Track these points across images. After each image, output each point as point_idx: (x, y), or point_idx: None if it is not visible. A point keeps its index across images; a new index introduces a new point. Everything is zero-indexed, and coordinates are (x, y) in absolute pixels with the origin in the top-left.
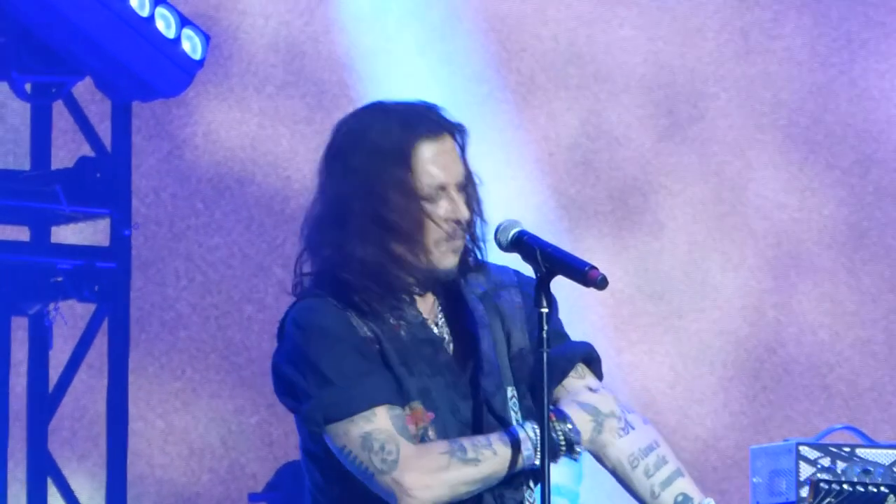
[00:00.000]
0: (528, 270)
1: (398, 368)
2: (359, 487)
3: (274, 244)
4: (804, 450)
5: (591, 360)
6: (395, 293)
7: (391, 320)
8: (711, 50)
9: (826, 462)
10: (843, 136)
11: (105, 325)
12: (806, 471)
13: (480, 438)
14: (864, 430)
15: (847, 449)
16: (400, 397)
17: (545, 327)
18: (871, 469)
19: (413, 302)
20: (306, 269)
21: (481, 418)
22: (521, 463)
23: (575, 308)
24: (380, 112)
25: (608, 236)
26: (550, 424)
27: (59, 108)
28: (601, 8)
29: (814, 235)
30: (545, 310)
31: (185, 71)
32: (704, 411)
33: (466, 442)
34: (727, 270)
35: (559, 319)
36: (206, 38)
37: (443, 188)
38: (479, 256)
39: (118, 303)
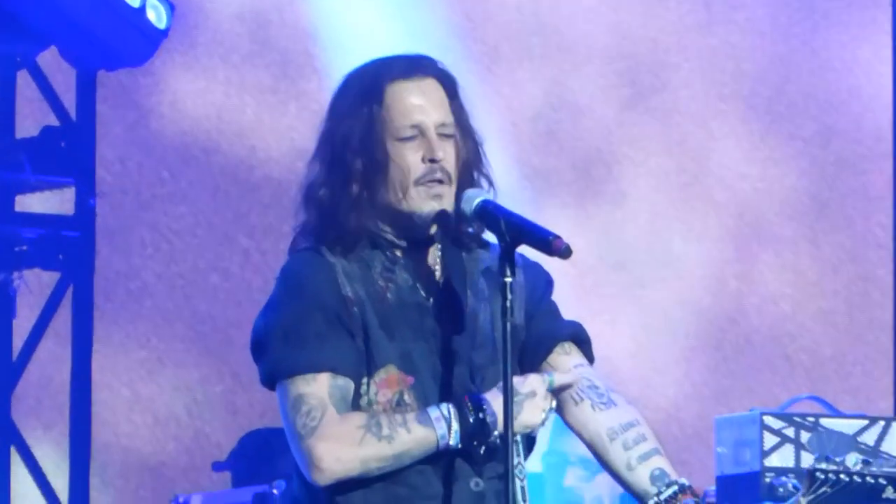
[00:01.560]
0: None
1: (376, 332)
2: None
3: (239, 213)
4: (768, 420)
5: (580, 340)
6: (384, 238)
7: (380, 281)
8: (674, 20)
9: (790, 432)
10: (804, 106)
11: (70, 293)
12: (770, 440)
13: (397, 416)
14: (825, 399)
15: (811, 419)
16: (354, 368)
17: (509, 297)
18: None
19: (408, 265)
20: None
21: (465, 388)
22: (434, 443)
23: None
24: (372, 60)
25: (571, 206)
26: (465, 411)
27: (24, 77)
28: None
29: (775, 206)
30: (509, 279)
31: (150, 40)
32: (667, 381)
33: (383, 418)
34: (689, 241)
35: (552, 300)
36: (172, 8)
37: (418, 128)
38: (472, 211)
39: (83, 271)
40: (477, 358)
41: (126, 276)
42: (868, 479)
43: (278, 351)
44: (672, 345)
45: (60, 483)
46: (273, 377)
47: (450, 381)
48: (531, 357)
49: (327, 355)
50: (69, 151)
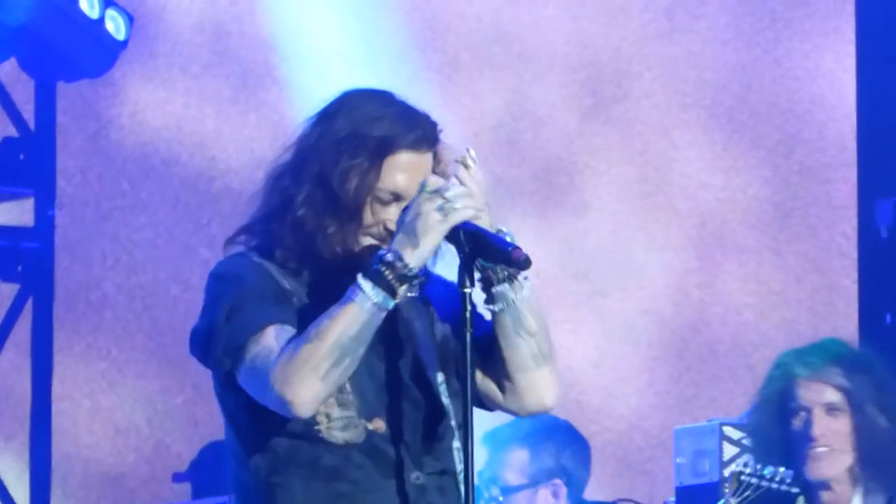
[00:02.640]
0: (452, 251)
1: (306, 323)
2: (281, 453)
3: (199, 224)
4: (728, 430)
5: None
6: (315, 261)
7: (310, 283)
8: (636, 29)
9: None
10: (767, 115)
11: (30, 305)
12: (729, 451)
13: (319, 317)
14: None
15: None
16: (296, 321)
17: (468, 307)
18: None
19: (338, 274)
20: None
21: (402, 385)
22: (362, 310)
23: None
24: (385, 100)
25: (532, 216)
26: (370, 268)
27: None
28: None
29: (738, 215)
30: (468, 290)
31: (109, 51)
32: (629, 391)
33: (308, 327)
34: (651, 250)
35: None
36: (130, 19)
37: (398, 198)
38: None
39: (43, 283)
40: (426, 359)
41: (86, 287)
42: (783, 487)
43: (225, 329)
44: (634, 354)
45: (21, 494)
46: (227, 356)
47: (383, 378)
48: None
49: (270, 312)
50: (28, 162)
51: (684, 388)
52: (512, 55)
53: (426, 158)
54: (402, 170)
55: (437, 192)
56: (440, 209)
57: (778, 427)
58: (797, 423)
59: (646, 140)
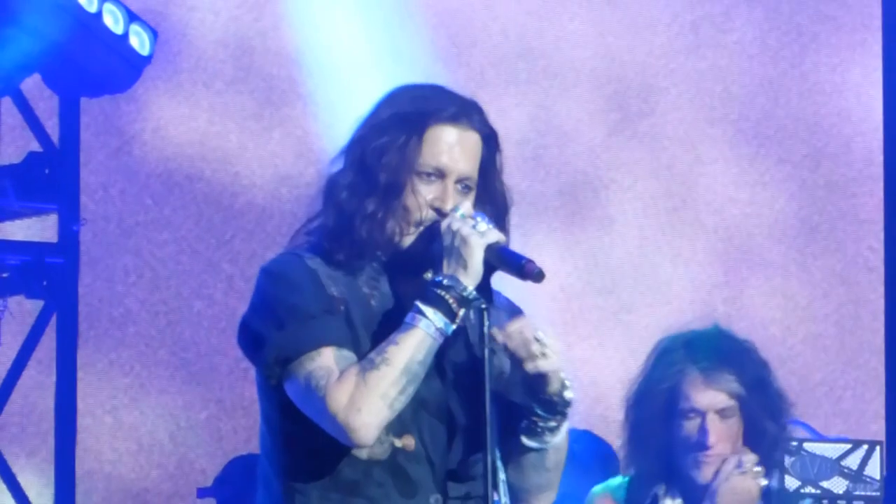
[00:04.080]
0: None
1: (360, 331)
2: (305, 459)
3: (223, 240)
4: None
5: None
6: (361, 252)
7: (364, 288)
8: (662, 44)
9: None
10: (793, 130)
11: (53, 321)
12: None
13: (381, 343)
14: (815, 424)
15: (794, 443)
16: (353, 345)
17: (486, 322)
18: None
19: (393, 279)
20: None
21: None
22: (427, 336)
23: (524, 303)
24: (428, 87)
25: (558, 231)
26: (428, 293)
27: (6, 103)
28: (551, 2)
29: (764, 230)
30: (484, 306)
31: (133, 67)
32: None
33: (370, 354)
34: (677, 265)
35: None
36: (154, 34)
37: (442, 174)
38: None
39: (66, 299)
40: (461, 380)
41: (109, 303)
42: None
43: (279, 335)
44: None
45: None
46: (277, 364)
47: (425, 393)
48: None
49: (327, 331)
50: (52, 178)
51: None
52: (537, 70)
53: (471, 137)
54: (444, 144)
55: (467, 215)
56: (474, 227)
57: (663, 426)
58: (689, 427)
59: (672, 155)
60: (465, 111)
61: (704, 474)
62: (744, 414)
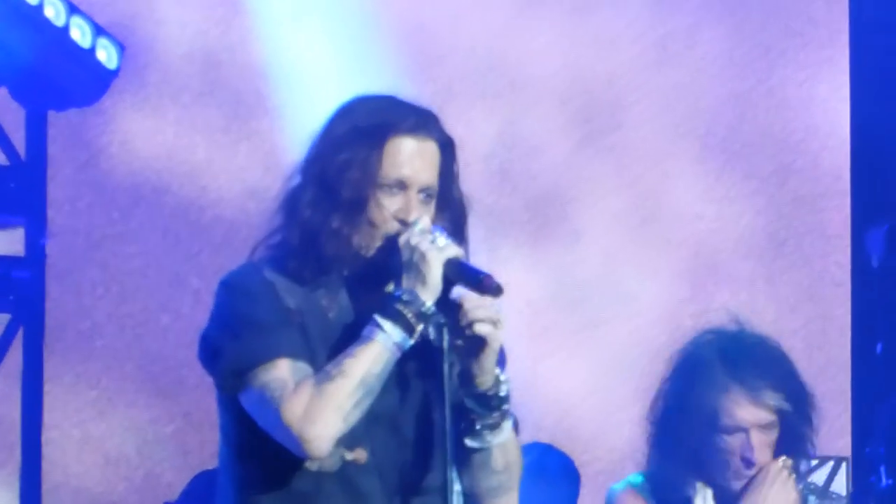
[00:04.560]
0: None
1: (316, 343)
2: (259, 470)
3: (190, 254)
4: None
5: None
6: (326, 268)
7: (323, 301)
8: (629, 59)
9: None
10: (760, 145)
11: (20, 334)
12: None
13: (338, 356)
14: None
15: None
16: (310, 358)
17: (445, 337)
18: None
19: (352, 291)
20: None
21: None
22: (385, 348)
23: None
24: (383, 98)
25: (525, 246)
26: (386, 305)
27: None
28: (519, 17)
29: (731, 245)
30: (444, 322)
31: (101, 80)
32: (621, 421)
33: (327, 366)
34: (644, 280)
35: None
36: (122, 48)
37: (404, 185)
38: None
39: (33, 312)
40: (415, 395)
41: (76, 316)
42: None
43: (232, 349)
44: (626, 384)
45: None
46: (232, 376)
47: (378, 407)
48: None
49: (282, 343)
50: (19, 191)
51: None
52: (504, 85)
53: (429, 146)
54: (404, 155)
55: (425, 229)
56: (433, 242)
57: (700, 439)
58: (732, 442)
59: (639, 170)
60: (423, 121)
61: (743, 483)
62: (783, 424)
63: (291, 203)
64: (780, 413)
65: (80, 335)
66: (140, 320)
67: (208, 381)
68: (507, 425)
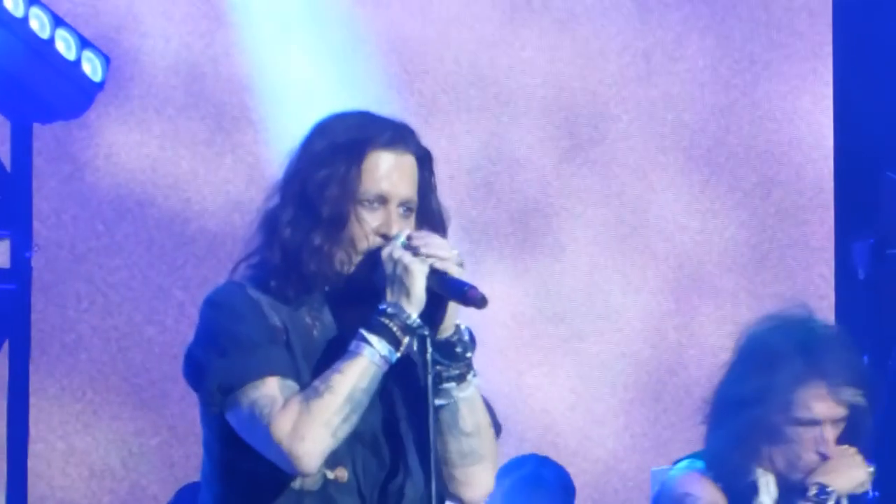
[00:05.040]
0: None
1: (300, 361)
2: (240, 488)
3: (174, 266)
4: None
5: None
6: (308, 287)
7: (307, 318)
8: (613, 72)
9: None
10: (745, 157)
11: (6, 346)
12: None
13: (325, 371)
14: None
15: None
16: (297, 376)
17: (429, 349)
18: None
19: (336, 309)
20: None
21: (373, 438)
22: (371, 363)
23: (475, 330)
24: (358, 114)
25: (509, 258)
26: (372, 321)
27: None
28: (503, 30)
29: (715, 257)
30: (427, 333)
31: (86, 93)
32: (605, 433)
33: (314, 382)
34: (628, 292)
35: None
36: (107, 60)
37: (384, 200)
38: None
39: (18, 325)
40: (395, 412)
41: (61, 329)
42: None
43: (222, 364)
44: (611, 397)
45: None
46: (221, 393)
47: (360, 424)
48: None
49: (271, 361)
50: (4, 204)
51: (661, 430)
52: (489, 98)
53: (407, 160)
54: (383, 170)
55: (409, 238)
56: (416, 253)
57: (775, 427)
58: (804, 434)
59: (623, 182)
60: (400, 135)
61: (809, 474)
62: (851, 416)
63: (271, 223)
64: (852, 408)
65: (65, 348)
66: (125, 333)
67: (193, 393)
68: (473, 380)
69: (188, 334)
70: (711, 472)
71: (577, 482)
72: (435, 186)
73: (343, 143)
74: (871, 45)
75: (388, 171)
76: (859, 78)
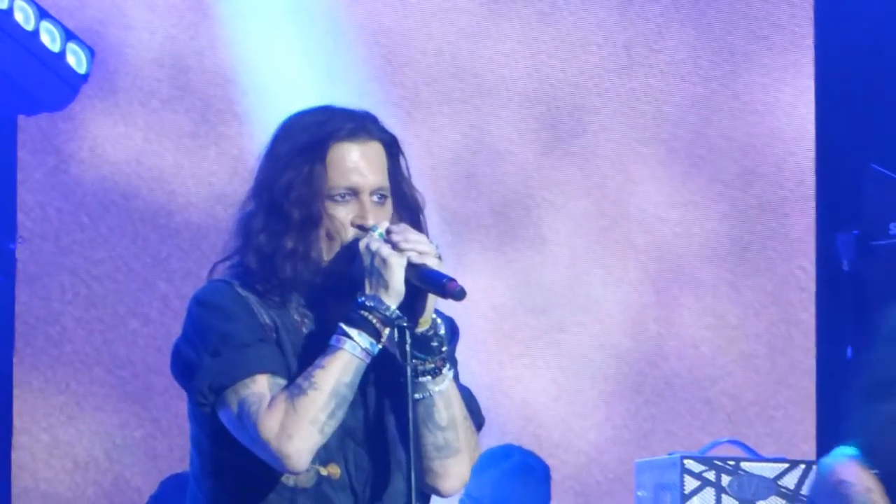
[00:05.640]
0: None
1: (290, 358)
2: (232, 485)
3: (158, 258)
4: (689, 463)
5: (469, 409)
6: (292, 287)
7: (295, 316)
8: (594, 64)
9: (711, 476)
10: (725, 149)
11: None
12: (691, 484)
13: (307, 369)
14: (747, 444)
15: (732, 462)
16: (285, 371)
17: (408, 340)
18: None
19: (323, 306)
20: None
21: (364, 433)
22: (354, 357)
23: (456, 321)
24: (317, 110)
25: (490, 250)
26: (352, 315)
27: None
28: (484, 22)
29: (695, 249)
30: (406, 324)
31: (71, 85)
32: (587, 425)
33: (297, 380)
34: (609, 284)
35: (454, 356)
36: (92, 53)
37: (355, 192)
38: None
39: (3, 316)
40: (383, 407)
41: (46, 321)
42: None
43: (212, 363)
44: (592, 388)
45: None
46: (211, 392)
47: (351, 420)
48: None
49: (262, 359)
50: None
51: (642, 421)
52: (470, 90)
53: (373, 148)
54: (349, 162)
55: (388, 233)
56: (394, 247)
57: None
58: None
59: (603, 174)
60: (362, 124)
61: None
62: None
63: (246, 232)
64: None
65: (49, 340)
66: (109, 325)
67: (176, 386)
68: (448, 374)
69: (172, 326)
70: (866, 459)
71: (559, 474)
72: (405, 169)
73: (305, 142)
74: (851, 36)
75: (354, 163)
76: (840, 70)
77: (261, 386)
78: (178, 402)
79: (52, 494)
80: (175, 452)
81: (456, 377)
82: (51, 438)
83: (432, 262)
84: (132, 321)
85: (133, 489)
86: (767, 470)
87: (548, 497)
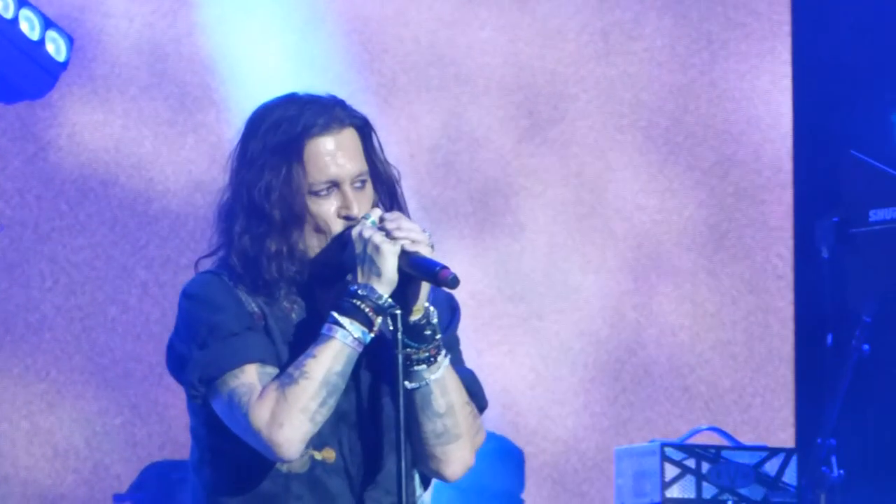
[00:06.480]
0: None
1: (280, 346)
2: (228, 473)
3: (137, 245)
4: (669, 451)
5: (471, 392)
6: (279, 285)
7: (284, 303)
8: (572, 51)
9: (691, 463)
10: (703, 137)
11: None
12: (671, 472)
13: (299, 357)
14: (725, 431)
15: (712, 450)
16: (275, 359)
17: (400, 328)
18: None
19: (312, 293)
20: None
21: (358, 417)
22: (345, 346)
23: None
24: (285, 103)
25: (469, 238)
26: (343, 304)
27: None
28: (462, 10)
29: (674, 237)
30: (398, 311)
31: (50, 73)
32: (565, 412)
33: (288, 369)
34: (587, 272)
35: (456, 334)
36: (70, 40)
37: (336, 183)
38: None
39: None
40: (377, 392)
41: (25, 308)
42: None
43: (200, 358)
44: (571, 376)
45: None
46: (202, 384)
47: (344, 405)
48: None
49: (249, 349)
50: None
51: (620, 409)
52: (448, 77)
53: (346, 135)
54: (327, 155)
55: (381, 221)
56: (387, 234)
57: None
58: None
59: (582, 162)
60: (332, 115)
61: None
62: None
63: (228, 230)
64: None
65: (28, 327)
66: (88, 312)
67: (156, 372)
68: (443, 361)
69: (151, 314)
70: None
71: (537, 461)
72: (378, 146)
73: (279, 141)
74: (829, 24)
75: (332, 155)
76: (818, 56)
77: (250, 376)
78: (156, 389)
79: (31, 482)
80: (154, 440)
81: (459, 358)
82: (31, 426)
83: (425, 251)
84: (111, 308)
85: (113, 476)
86: (748, 457)
87: (522, 482)
